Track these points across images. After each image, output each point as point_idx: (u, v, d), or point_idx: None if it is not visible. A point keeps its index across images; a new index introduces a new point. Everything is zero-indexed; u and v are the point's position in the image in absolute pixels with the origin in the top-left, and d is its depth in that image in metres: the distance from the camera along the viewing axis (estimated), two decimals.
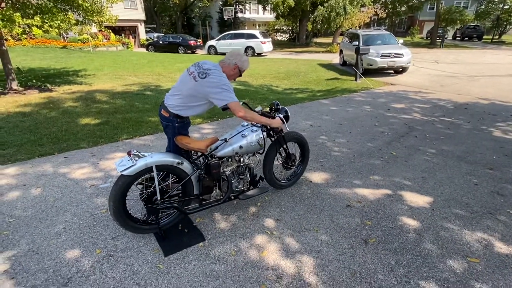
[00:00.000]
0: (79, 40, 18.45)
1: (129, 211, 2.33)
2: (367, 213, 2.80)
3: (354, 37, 11.63)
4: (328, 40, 28.26)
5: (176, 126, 2.43)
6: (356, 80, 9.61)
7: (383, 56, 9.91)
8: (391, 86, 8.85)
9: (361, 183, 3.33)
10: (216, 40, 18.75)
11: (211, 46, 18.84)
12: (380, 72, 10.91)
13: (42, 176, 3.37)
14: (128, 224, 2.25)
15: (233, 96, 2.26)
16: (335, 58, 15.69)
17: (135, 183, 2.23)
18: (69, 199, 2.95)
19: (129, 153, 2.12)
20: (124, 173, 2.07)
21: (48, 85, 7.75)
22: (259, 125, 2.68)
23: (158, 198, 2.28)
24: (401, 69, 10.57)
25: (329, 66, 13.24)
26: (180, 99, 2.34)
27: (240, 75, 2.50)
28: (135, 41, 24.40)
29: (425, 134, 4.85)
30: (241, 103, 2.81)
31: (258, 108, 2.77)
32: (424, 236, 2.51)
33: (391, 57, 9.93)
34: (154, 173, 2.18)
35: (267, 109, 2.87)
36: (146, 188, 2.34)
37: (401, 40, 11.21)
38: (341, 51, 13.33)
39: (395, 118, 5.67)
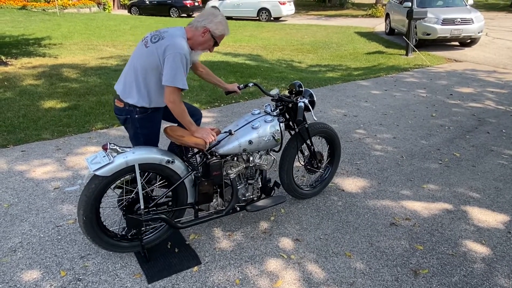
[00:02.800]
0: None
1: (104, 223, 2.37)
2: (418, 234, 2.77)
3: None
4: (371, 0, 27.79)
5: (136, 118, 2.36)
6: (407, 54, 9.45)
7: (445, 22, 9.68)
8: (455, 64, 8.65)
9: (411, 194, 3.28)
10: (219, 0, 18.75)
11: (213, 8, 18.82)
12: (440, 44, 10.67)
13: None
14: (102, 239, 2.29)
15: (178, 78, 2.16)
16: (379, 25, 15.44)
17: (111, 187, 2.26)
18: (27, 205, 3.02)
19: (105, 148, 2.14)
20: (98, 173, 2.10)
21: (2, 57, 7.93)
22: (275, 113, 2.67)
23: (142, 207, 2.30)
24: (469, 40, 10.31)
25: (370, 36, 13.04)
26: (131, 79, 2.30)
27: (217, 44, 2.39)
28: (114, 1, 24.66)
29: (500, 129, 4.73)
30: (251, 84, 2.81)
31: (274, 91, 2.75)
32: (496, 267, 2.45)
33: (456, 24, 9.69)
34: (137, 174, 2.21)
35: (286, 93, 2.85)
36: (126, 194, 2.37)
37: (470, 1, 10.92)
38: (387, 15, 13.10)
39: (459, 107, 5.55)
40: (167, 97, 2.22)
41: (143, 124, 2.40)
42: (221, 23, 2.34)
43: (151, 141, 2.51)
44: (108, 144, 2.15)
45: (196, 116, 2.69)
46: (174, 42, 2.21)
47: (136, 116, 2.36)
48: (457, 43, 10.82)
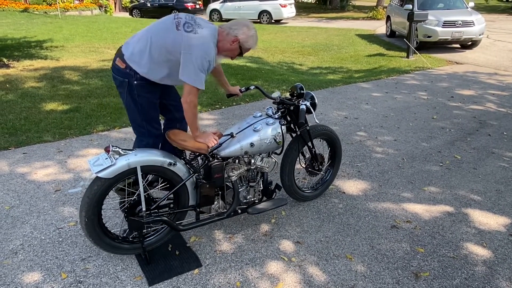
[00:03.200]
0: (44, 1, 18.86)
1: (106, 224, 2.37)
2: (419, 237, 2.76)
3: None
4: (371, 2, 27.85)
5: (135, 84, 2.27)
6: (408, 57, 9.45)
7: (446, 24, 9.69)
8: (456, 66, 8.66)
9: (412, 197, 3.28)
10: (220, 3, 18.81)
11: (214, 11, 18.92)
12: (441, 46, 10.67)
13: None
14: (104, 241, 2.29)
15: (198, 78, 2.16)
16: (379, 27, 15.46)
17: (113, 189, 2.26)
18: (29, 207, 3.03)
19: (107, 150, 2.15)
20: (100, 175, 2.11)
21: (4, 60, 7.96)
22: (276, 115, 2.67)
23: (143, 209, 2.31)
24: (470, 43, 10.32)
25: (371, 38, 13.06)
26: (143, 48, 2.23)
27: (241, 54, 2.41)
28: (115, 4, 24.75)
29: (502, 132, 4.73)
30: (253, 87, 2.82)
31: (276, 94, 2.76)
32: (497, 270, 2.45)
33: (457, 26, 9.70)
34: (139, 176, 2.21)
35: (287, 95, 2.86)
36: (128, 196, 2.37)
37: (471, 3, 10.94)
38: (388, 18, 13.12)
39: (460, 109, 5.55)
40: (185, 97, 2.19)
41: (140, 92, 2.31)
42: (253, 37, 2.36)
43: (147, 113, 2.41)
44: (111, 146, 2.15)
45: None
46: (203, 44, 2.19)
47: (135, 82, 2.27)
48: (458, 46, 10.83)
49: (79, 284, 2.27)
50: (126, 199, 2.37)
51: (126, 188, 2.35)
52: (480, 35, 9.91)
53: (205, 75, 2.22)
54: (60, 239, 2.66)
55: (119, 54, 2.31)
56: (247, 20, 2.41)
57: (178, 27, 2.22)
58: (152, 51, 2.23)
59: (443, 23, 9.68)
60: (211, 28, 2.30)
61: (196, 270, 2.40)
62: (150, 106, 2.41)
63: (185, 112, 2.26)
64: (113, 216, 2.92)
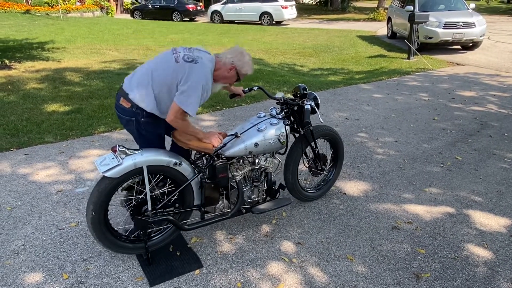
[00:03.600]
0: (46, 3, 18.92)
1: (112, 223, 2.38)
2: (420, 238, 2.76)
3: None
4: (372, 3, 27.88)
5: (142, 121, 2.31)
6: (408, 58, 9.45)
7: (447, 26, 9.69)
8: (457, 67, 8.65)
9: (413, 198, 3.28)
10: (221, 4, 18.84)
11: (215, 12, 18.95)
12: (442, 47, 10.66)
13: None
14: (108, 238, 2.30)
15: (190, 103, 2.17)
16: (380, 29, 15.46)
17: (120, 188, 2.27)
18: (30, 208, 3.04)
19: (114, 149, 2.16)
20: (107, 174, 2.12)
21: (6, 61, 7.99)
22: (280, 116, 2.68)
23: (149, 208, 2.32)
24: (471, 44, 10.31)
25: (372, 39, 13.06)
26: (146, 85, 2.26)
27: (239, 80, 2.46)
28: (117, 5, 24.82)
29: (503, 133, 4.73)
30: (256, 88, 2.83)
31: (279, 95, 2.77)
32: (498, 271, 2.44)
33: (458, 28, 9.70)
34: (145, 176, 2.22)
35: (290, 96, 2.87)
36: (133, 195, 2.38)
37: (472, 4, 10.93)
38: (389, 19, 13.13)
39: (461, 111, 5.55)
40: (171, 114, 2.21)
41: (147, 128, 2.37)
42: (248, 63, 2.41)
43: (155, 142, 2.48)
44: (117, 146, 2.17)
45: None
46: (204, 74, 2.25)
47: (142, 119, 2.31)
48: (459, 47, 10.82)
49: (80, 285, 2.28)
50: (134, 198, 2.38)
51: (135, 186, 2.36)
52: (481, 36, 9.90)
53: (200, 102, 2.25)
54: (62, 240, 2.66)
55: (122, 93, 2.33)
56: (242, 48, 2.44)
57: (178, 60, 2.26)
58: (154, 88, 2.26)
59: (444, 25, 9.68)
60: (209, 58, 2.36)
61: (197, 271, 2.41)
62: (156, 138, 2.48)
63: (174, 126, 2.29)
64: (115, 215, 2.92)
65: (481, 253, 2.61)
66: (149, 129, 2.38)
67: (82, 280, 2.31)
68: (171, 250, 2.58)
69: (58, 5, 18.35)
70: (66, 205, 3.08)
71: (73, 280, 2.31)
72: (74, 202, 3.11)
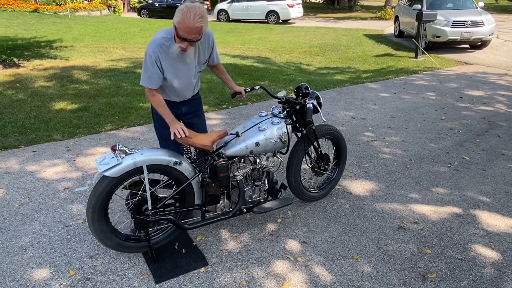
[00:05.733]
0: (54, 1, 19.06)
1: (112, 222, 2.39)
2: (426, 238, 2.74)
3: None
4: (379, 2, 27.69)
5: (152, 105, 2.57)
6: (416, 57, 9.38)
7: (455, 24, 9.59)
8: (465, 66, 8.57)
9: (420, 198, 3.26)
10: (228, 3, 18.83)
11: (221, 11, 18.94)
12: (450, 46, 10.56)
13: (5, 174, 3.53)
14: (110, 238, 2.32)
15: (143, 76, 2.32)
16: (388, 27, 15.35)
17: (121, 187, 2.28)
18: (38, 204, 3.07)
19: (113, 149, 2.17)
20: (107, 174, 2.13)
21: (15, 59, 8.07)
22: (282, 115, 2.67)
23: (149, 208, 2.32)
24: (479, 43, 10.20)
25: (379, 38, 12.98)
26: None
27: (178, 36, 2.16)
28: (124, 4, 24.93)
29: (511, 133, 4.67)
30: (258, 87, 2.82)
31: (282, 93, 2.76)
32: (505, 273, 2.42)
33: (467, 26, 9.60)
34: (145, 175, 2.23)
35: (293, 95, 2.86)
36: (134, 195, 2.39)
37: (481, 3, 10.81)
38: (396, 18, 13.02)
39: (469, 110, 5.49)
40: (147, 95, 2.40)
41: (155, 111, 2.56)
42: (179, 10, 2.13)
43: (161, 131, 2.62)
44: (117, 145, 2.18)
45: None
46: (148, 46, 2.31)
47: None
48: (467, 46, 10.71)
49: (87, 281, 2.29)
50: (130, 198, 2.39)
51: (136, 185, 2.37)
52: (490, 35, 9.79)
53: (148, 73, 2.31)
54: (69, 237, 2.69)
55: None
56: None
57: None
58: None
59: (452, 23, 9.59)
60: (163, 29, 2.37)
61: (203, 269, 2.41)
62: (165, 130, 2.54)
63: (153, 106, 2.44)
64: (120, 214, 2.94)
65: (488, 254, 2.59)
66: (156, 111, 2.53)
67: (89, 276, 2.33)
68: (176, 247, 2.59)
69: (66, 4, 18.49)
70: (73, 202, 3.10)
71: (80, 276, 2.33)
72: (81, 199, 3.14)
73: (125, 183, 2.30)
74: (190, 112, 2.66)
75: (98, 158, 2.20)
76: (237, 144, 2.48)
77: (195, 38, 2.19)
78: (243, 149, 2.48)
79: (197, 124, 2.72)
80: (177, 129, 2.32)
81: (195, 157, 2.54)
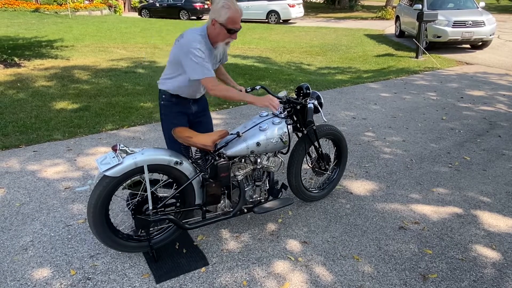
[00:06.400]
0: (54, 1, 19.08)
1: (113, 222, 2.39)
2: (427, 238, 2.74)
3: None
4: (380, 2, 27.66)
5: (162, 104, 2.56)
6: (417, 57, 9.37)
7: (456, 24, 9.59)
8: (466, 66, 8.56)
9: (421, 198, 3.26)
10: None
11: None
12: (451, 46, 10.55)
13: (6, 174, 3.53)
14: (111, 238, 2.32)
15: (201, 69, 2.26)
16: (388, 27, 15.35)
17: (121, 187, 2.28)
18: (39, 204, 3.07)
19: (114, 148, 2.17)
20: (107, 173, 2.13)
21: (16, 59, 8.07)
22: (283, 115, 2.67)
23: (150, 208, 2.33)
24: (480, 43, 10.19)
25: (380, 38, 12.97)
26: (166, 69, 2.53)
27: (230, 32, 2.32)
28: (125, 4, 24.94)
29: None
30: (258, 87, 2.82)
31: (282, 93, 2.76)
32: (506, 273, 2.42)
33: (468, 26, 9.59)
34: (146, 175, 2.23)
35: (294, 95, 2.86)
36: (135, 194, 2.39)
37: (482, 3, 10.80)
38: (397, 18, 13.02)
39: (470, 110, 5.49)
40: (209, 89, 2.31)
41: (165, 112, 2.57)
42: (223, 7, 2.26)
43: (168, 130, 2.59)
44: (118, 145, 2.18)
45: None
46: (188, 39, 2.30)
47: (162, 102, 2.55)
48: (468, 46, 10.70)
49: (87, 281, 2.30)
50: (130, 198, 2.39)
51: (143, 187, 2.37)
52: (490, 35, 9.78)
53: (208, 63, 2.31)
54: (69, 236, 2.69)
55: None
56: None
57: (176, 43, 2.40)
58: (167, 70, 2.50)
59: (453, 23, 9.58)
60: (197, 28, 2.41)
61: (203, 269, 2.41)
62: (170, 125, 2.56)
63: (223, 97, 2.35)
64: (120, 213, 2.94)
65: (489, 254, 2.59)
66: (166, 112, 2.57)
67: (90, 276, 2.33)
68: (177, 247, 2.60)
69: (66, 4, 18.50)
70: (74, 201, 3.11)
71: (81, 276, 2.33)
72: (82, 199, 3.14)
73: (125, 183, 2.30)
74: (199, 111, 2.71)
75: (99, 158, 2.20)
76: (238, 144, 2.48)
77: (240, 27, 2.37)
78: (244, 149, 2.48)
79: (205, 123, 2.78)
80: (270, 101, 2.36)
81: (196, 156, 2.54)
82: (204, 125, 2.77)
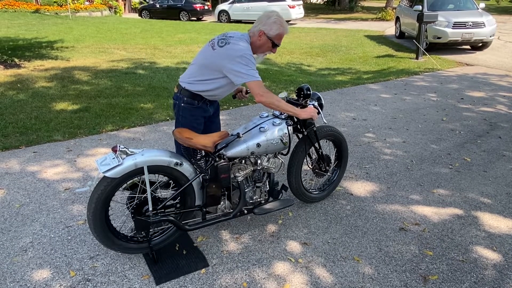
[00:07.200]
0: (55, 2, 19.10)
1: (113, 224, 2.39)
2: (428, 239, 2.73)
3: None
4: (380, 3, 27.70)
5: (182, 106, 2.52)
6: (417, 58, 9.37)
7: (456, 25, 9.59)
8: (466, 67, 8.56)
9: (421, 199, 3.25)
10: (229, 4, 18.85)
11: (222, 12, 18.97)
12: (451, 47, 10.56)
13: (6, 175, 3.53)
14: (111, 240, 2.31)
15: (253, 73, 2.32)
16: (388, 28, 15.36)
17: (121, 188, 2.28)
18: (39, 205, 3.07)
19: (114, 149, 2.17)
20: (107, 174, 2.12)
21: (16, 60, 8.07)
22: (283, 116, 2.67)
23: (150, 209, 2.32)
24: (480, 44, 10.20)
25: (380, 39, 12.98)
26: (192, 70, 2.50)
27: (275, 45, 2.48)
28: (125, 4, 24.96)
29: None
30: None
31: (283, 94, 2.75)
32: (507, 274, 2.41)
33: (468, 27, 9.59)
34: (146, 176, 2.23)
35: (294, 96, 2.86)
36: (135, 196, 2.39)
37: (482, 4, 10.81)
38: (397, 19, 13.03)
39: (471, 111, 5.49)
40: (257, 95, 2.33)
41: (184, 114, 2.54)
42: (275, 23, 2.41)
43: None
44: (118, 146, 2.17)
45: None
46: (238, 46, 2.34)
47: (182, 104, 2.51)
48: (468, 47, 10.71)
49: (87, 282, 2.29)
50: (131, 199, 2.39)
51: (141, 185, 2.37)
52: (491, 36, 9.78)
53: (256, 70, 2.35)
54: (69, 237, 2.68)
55: (177, 83, 2.59)
56: (270, 11, 2.51)
57: (214, 47, 2.40)
58: (196, 71, 2.47)
59: (453, 24, 9.58)
60: (242, 35, 2.46)
61: (203, 270, 2.41)
62: (188, 127, 2.55)
63: (265, 105, 2.37)
64: (121, 215, 2.94)
65: (490, 255, 2.58)
66: (185, 115, 2.55)
67: (89, 277, 2.33)
68: (177, 249, 2.59)
69: (67, 5, 18.51)
70: (74, 202, 3.10)
71: (80, 277, 2.33)
72: (82, 200, 3.13)
73: (125, 184, 2.29)
74: (214, 112, 2.76)
75: (99, 159, 2.19)
76: (238, 145, 2.48)
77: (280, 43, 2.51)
78: (244, 150, 2.48)
79: (216, 123, 2.84)
80: (313, 113, 2.54)
81: (196, 158, 2.54)
82: (216, 125, 2.82)
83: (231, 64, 2.31)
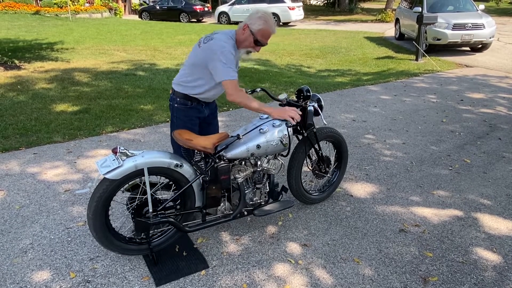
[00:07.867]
0: (55, 4, 19.12)
1: (113, 225, 2.39)
2: (428, 241, 2.74)
3: (415, 0, 11.36)
4: (380, 5, 27.74)
5: (175, 107, 2.55)
6: (417, 59, 9.39)
7: (456, 27, 9.61)
8: (466, 69, 8.57)
9: (421, 201, 3.25)
10: (229, 5, 18.89)
11: (222, 13, 19.00)
12: (450, 49, 10.58)
13: (6, 176, 3.53)
14: (111, 241, 2.31)
15: (228, 71, 2.29)
16: (388, 30, 15.39)
17: (121, 189, 2.28)
18: (39, 207, 3.07)
19: (114, 151, 2.17)
20: (107, 176, 2.13)
21: (16, 61, 8.08)
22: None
23: (150, 210, 2.32)
24: (480, 46, 10.21)
25: (380, 41, 13.00)
26: (183, 71, 2.52)
27: (258, 43, 2.41)
28: (125, 6, 24.99)
29: None
30: (259, 89, 2.82)
31: (283, 96, 2.76)
32: (507, 276, 2.41)
33: (467, 29, 9.61)
34: (146, 178, 2.23)
35: (294, 97, 2.86)
36: (135, 197, 2.39)
37: (481, 6, 10.83)
38: (397, 20, 13.05)
39: (470, 113, 5.49)
40: (227, 93, 2.33)
41: (178, 115, 2.56)
42: (260, 18, 2.36)
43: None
44: (118, 147, 2.17)
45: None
46: (220, 42, 2.33)
47: (176, 105, 2.54)
48: (468, 49, 10.72)
49: (87, 284, 2.29)
50: (129, 201, 2.39)
51: (143, 186, 2.37)
52: (490, 38, 9.80)
53: (233, 68, 2.34)
54: (69, 239, 2.68)
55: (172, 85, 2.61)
56: (260, 8, 2.49)
57: (200, 45, 2.42)
58: (186, 71, 2.50)
59: (453, 26, 9.60)
60: (227, 32, 2.45)
61: (203, 272, 2.41)
62: (183, 128, 2.57)
63: (240, 104, 2.38)
64: (120, 216, 2.94)
65: (490, 257, 2.58)
66: (179, 116, 2.57)
67: (89, 279, 2.33)
68: (177, 250, 2.59)
69: (67, 6, 18.54)
70: (74, 204, 3.10)
71: (80, 279, 2.33)
72: (82, 202, 3.13)
73: (125, 186, 2.29)
74: (210, 114, 2.75)
75: (99, 161, 2.20)
76: (238, 147, 2.48)
77: (266, 43, 2.45)
78: (244, 151, 2.48)
79: (214, 125, 2.84)
80: (289, 114, 2.44)
81: (196, 159, 2.54)
82: (213, 127, 2.82)
83: (212, 60, 2.31)
